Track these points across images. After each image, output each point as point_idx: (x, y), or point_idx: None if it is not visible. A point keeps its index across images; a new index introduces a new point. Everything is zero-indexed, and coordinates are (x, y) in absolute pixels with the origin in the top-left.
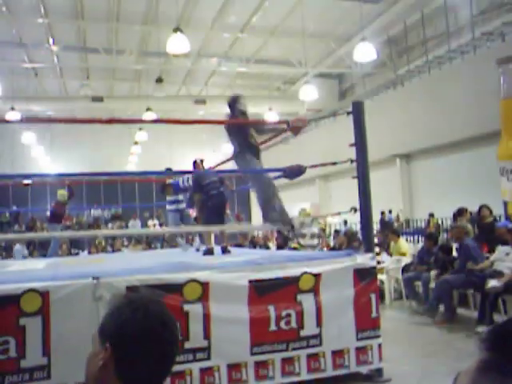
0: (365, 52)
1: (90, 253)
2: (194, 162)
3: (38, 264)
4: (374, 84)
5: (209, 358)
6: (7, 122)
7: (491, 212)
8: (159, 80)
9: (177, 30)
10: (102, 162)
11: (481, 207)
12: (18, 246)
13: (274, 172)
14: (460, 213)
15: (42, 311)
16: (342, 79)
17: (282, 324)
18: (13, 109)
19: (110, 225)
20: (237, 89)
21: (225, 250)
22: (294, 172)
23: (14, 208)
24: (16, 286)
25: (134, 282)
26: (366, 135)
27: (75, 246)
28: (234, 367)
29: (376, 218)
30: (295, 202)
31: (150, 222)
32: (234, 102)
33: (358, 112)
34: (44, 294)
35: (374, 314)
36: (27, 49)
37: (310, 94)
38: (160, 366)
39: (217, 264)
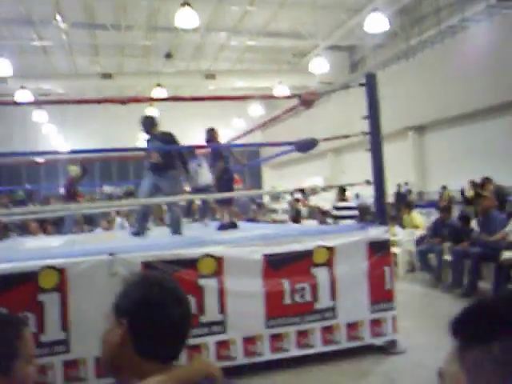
0: (376, 23)
1: (103, 230)
2: (210, 130)
3: (54, 241)
4: (385, 55)
5: (224, 332)
6: (19, 104)
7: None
8: (168, 55)
9: (185, 4)
10: (112, 138)
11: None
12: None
13: (286, 146)
14: (484, 183)
15: (59, 287)
16: (352, 51)
17: (297, 297)
18: (23, 87)
19: (122, 201)
20: (246, 63)
21: (233, 225)
22: (305, 145)
23: (28, 186)
24: (33, 263)
25: (148, 257)
26: (379, 107)
27: (89, 223)
28: (249, 340)
29: (391, 190)
30: (306, 176)
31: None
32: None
33: (370, 84)
34: (61, 271)
35: (388, 287)
36: (36, 26)
37: (320, 66)
38: (175, 340)
39: (231, 239)
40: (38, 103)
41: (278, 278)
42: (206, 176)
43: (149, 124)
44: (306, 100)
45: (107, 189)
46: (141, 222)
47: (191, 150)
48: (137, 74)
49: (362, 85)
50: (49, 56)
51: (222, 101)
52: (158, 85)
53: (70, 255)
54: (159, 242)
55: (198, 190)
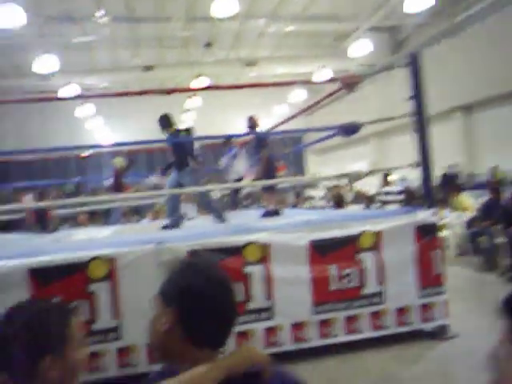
0: (419, 0)
1: (150, 220)
2: (251, 118)
3: (103, 232)
4: (429, 34)
5: (272, 318)
6: (67, 99)
7: None
8: (208, 45)
9: None
10: (156, 129)
11: None
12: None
13: (329, 130)
14: None
15: (109, 277)
16: (394, 32)
17: (344, 283)
18: (69, 83)
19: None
20: (286, 49)
21: (276, 213)
22: (349, 129)
23: (76, 180)
24: (84, 253)
25: (195, 246)
26: (425, 87)
27: (135, 214)
28: (297, 326)
29: (438, 173)
30: (349, 162)
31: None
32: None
33: (415, 63)
34: (111, 261)
35: (437, 271)
36: (79, 23)
37: (362, 49)
38: (223, 327)
39: (276, 225)
40: (85, 97)
41: (325, 264)
42: (239, 167)
43: (165, 122)
44: (347, 83)
45: (152, 179)
46: (172, 215)
47: (229, 138)
48: (177, 65)
49: (405, 65)
50: (91, 51)
51: (262, 88)
52: (199, 75)
53: (119, 245)
54: (205, 231)
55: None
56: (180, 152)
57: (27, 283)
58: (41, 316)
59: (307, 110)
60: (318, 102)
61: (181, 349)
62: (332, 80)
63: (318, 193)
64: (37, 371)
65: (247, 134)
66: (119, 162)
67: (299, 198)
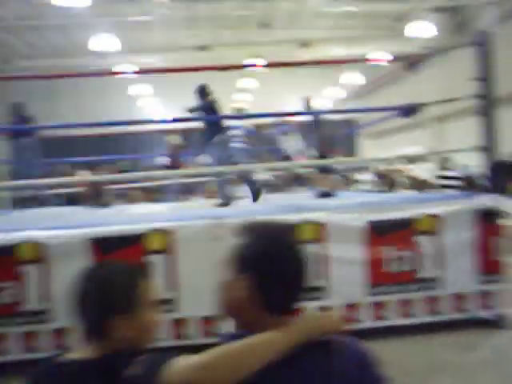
0: None
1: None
2: (306, 99)
3: (158, 208)
4: (493, 14)
5: (327, 298)
6: (120, 73)
7: None
8: (264, 25)
9: None
10: None
11: None
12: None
13: (389, 111)
14: None
15: (167, 250)
16: (457, 12)
17: (400, 265)
18: (127, 62)
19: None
20: (343, 30)
21: (329, 194)
22: (409, 110)
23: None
24: (143, 225)
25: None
26: (492, 68)
27: (190, 192)
28: (351, 307)
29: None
30: (404, 146)
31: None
32: (202, 92)
33: (482, 43)
34: (168, 234)
35: (498, 258)
36: (138, 2)
37: (423, 30)
38: (295, 292)
39: (333, 205)
40: (142, 72)
41: (381, 246)
42: (290, 144)
43: (201, 92)
44: (409, 63)
45: (203, 159)
46: (223, 193)
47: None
48: (232, 45)
49: (472, 45)
50: (150, 31)
51: (318, 66)
52: (253, 55)
53: (177, 219)
54: (261, 208)
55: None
56: (207, 124)
57: (90, 252)
58: (113, 276)
59: (362, 92)
60: (375, 84)
61: (253, 314)
62: (395, 59)
63: (365, 177)
64: (107, 330)
65: (300, 113)
66: (174, 139)
67: (347, 181)
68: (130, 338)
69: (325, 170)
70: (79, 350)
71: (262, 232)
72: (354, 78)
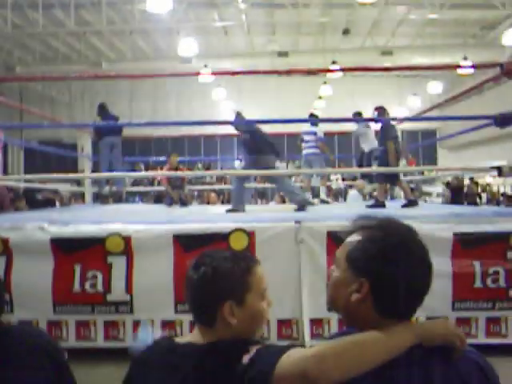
0: None
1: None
2: (379, 108)
3: None
4: None
5: None
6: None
7: None
8: (346, 32)
9: None
10: (287, 115)
11: None
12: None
13: (480, 120)
14: None
15: (248, 249)
16: None
17: (489, 281)
18: (205, 66)
19: (293, 178)
20: (426, 38)
21: (415, 203)
22: (507, 119)
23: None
24: (224, 225)
25: (335, 227)
26: None
27: (262, 197)
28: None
29: None
30: (487, 160)
31: (332, 177)
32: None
33: None
34: (250, 234)
35: None
36: (218, 8)
37: None
38: (415, 299)
39: (419, 215)
40: (229, 73)
41: (469, 259)
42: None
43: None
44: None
45: (278, 164)
46: (295, 198)
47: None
48: (312, 51)
49: None
50: (228, 36)
51: (396, 78)
52: (333, 62)
53: (257, 221)
54: (342, 213)
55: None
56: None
57: (172, 248)
58: (226, 262)
59: (445, 102)
60: (461, 94)
61: (367, 317)
62: (491, 65)
63: (435, 189)
64: (218, 316)
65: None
66: None
67: (416, 192)
68: (240, 325)
69: (394, 179)
70: (187, 336)
71: (380, 234)
72: (435, 87)
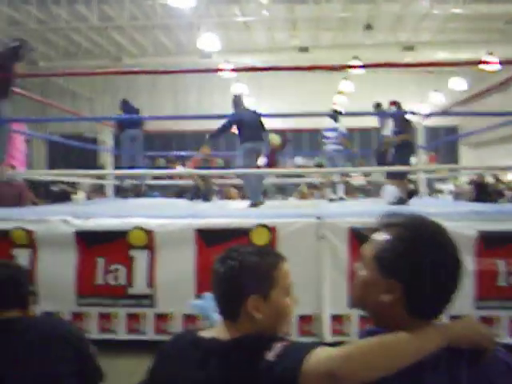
0: None
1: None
2: (393, 103)
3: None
4: None
5: None
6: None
7: None
8: (368, 27)
9: None
10: (308, 111)
11: None
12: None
13: (504, 116)
14: None
15: (269, 245)
16: None
17: None
18: (226, 61)
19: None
20: (449, 33)
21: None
22: None
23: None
24: (247, 220)
25: (356, 223)
26: None
27: (281, 193)
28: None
29: None
30: (508, 158)
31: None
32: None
33: None
34: (272, 229)
35: None
36: (240, 3)
37: None
38: (446, 299)
39: (441, 212)
40: (250, 69)
41: (492, 258)
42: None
43: (235, 101)
44: None
45: (299, 160)
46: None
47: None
48: (333, 47)
49: None
50: (249, 31)
51: (418, 75)
52: (355, 57)
53: (279, 217)
54: (364, 209)
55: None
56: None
57: (194, 242)
58: (252, 257)
59: (467, 99)
60: (486, 91)
61: (396, 317)
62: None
63: (447, 187)
64: (242, 309)
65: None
66: (275, 138)
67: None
68: (264, 321)
69: (398, 176)
70: (212, 331)
71: (408, 230)
72: (458, 83)
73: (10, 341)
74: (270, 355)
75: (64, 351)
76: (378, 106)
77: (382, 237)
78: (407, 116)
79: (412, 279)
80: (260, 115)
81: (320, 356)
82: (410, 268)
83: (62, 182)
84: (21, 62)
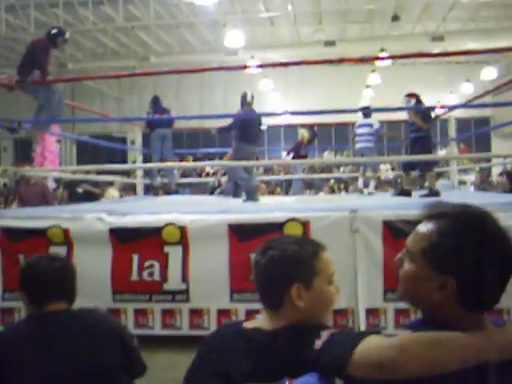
0: None
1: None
2: (411, 95)
3: (287, 200)
4: None
5: None
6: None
7: None
8: (395, 18)
9: None
10: (335, 105)
11: None
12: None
13: None
14: None
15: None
16: None
17: None
18: (252, 57)
19: (341, 168)
20: (480, 22)
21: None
22: None
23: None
24: (279, 214)
25: (391, 216)
26: None
27: (310, 188)
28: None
29: None
30: None
31: (382, 167)
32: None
33: None
34: (305, 223)
35: None
36: None
37: None
38: (499, 291)
39: (487, 203)
40: (261, 66)
41: None
42: None
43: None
44: None
45: (325, 155)
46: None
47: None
48: (360, 39)
49: None
50: (274, 27)
51: (448, 65)
52: (382, 50)
53: (313, 210)
54: (398, 202)
55: None
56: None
57: (227, 237)
58: (293, 246)
59: (503, 86)
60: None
61: (449, 311)
62: None
63: (469, 177)
64: (286, 297)
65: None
66: (304, 133)
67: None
68: (307, 310)
69: (426, 166)
70: (254, 321)
71: (456, 221)
72: (489, 73)
73: (58, 333)
74: (317, 344)
75: (111, 344)
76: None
77: (428, 229)
78: (426, 109)
79: (467, 273)
80: (259, 116)
81: (371, 345)
82: (464, 262)
83: (87, 182)
84: (57, 48)
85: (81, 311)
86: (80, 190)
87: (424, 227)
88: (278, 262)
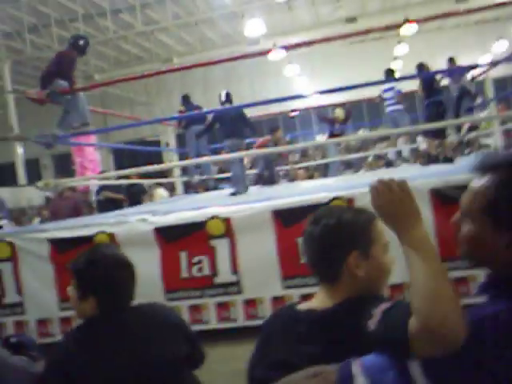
0: None
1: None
2: (421, 65)
3: (327, 182)
4: None
5: None
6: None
7: None
8: None
9: None
10: (363, 80)
11: None
12: None
13: None
14: None
15: None
16: None
17: None
18: (274, 45)
19: (377, 145)
20: None
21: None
22: None
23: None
24: (323, 194)
25: (437, 184)
26: None
27: (348, 167)
28: None
29: None
30: None
31: (418, 138)
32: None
33: None
34: (349, 201)
35: None
36: None
37: None
38: None
39: None
40: (284, 48)
41: None
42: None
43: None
44: None
45: (360, 133)
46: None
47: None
48: (381, 12)
49: None
50: (292, 11)
51: (478, 25)
52: (406, 20)
53: (357, 186)
54: (445, 170)
55: None
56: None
57: (272, 224)
58: (350, 216)
59: None
60: None
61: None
62: None
63: (493, 140)
64: (344, 266)
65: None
66: (339, 112)
67: (472, 146)
68: (366, 279)
69: (435, 134)
70: (313, 300)
71: None
72: None
73: (125, 330)
74: (371, 323)
75: (177, 336)
76: (451, 60)
77: (486, 184)
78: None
79: None
80: (239, 110)
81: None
82: None
83: (106, 189)
84: (85, 55)
85: (144, 306)
86: (101, 198)
87: (479, 183)
88: (333, 230)
